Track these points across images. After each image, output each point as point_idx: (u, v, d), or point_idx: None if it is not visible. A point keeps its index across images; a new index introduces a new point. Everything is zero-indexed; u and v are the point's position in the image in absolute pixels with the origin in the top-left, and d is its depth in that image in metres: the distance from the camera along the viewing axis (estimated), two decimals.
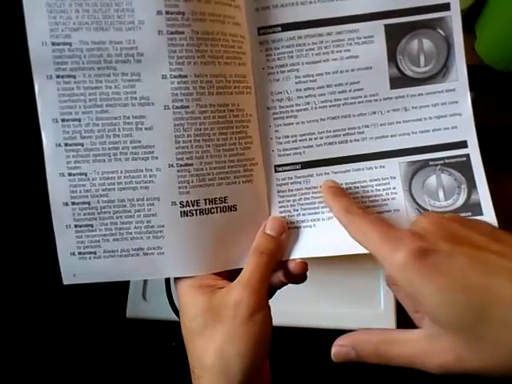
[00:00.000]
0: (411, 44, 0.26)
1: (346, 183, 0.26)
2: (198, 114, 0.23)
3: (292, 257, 0.25)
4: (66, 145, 0.23)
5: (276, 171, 0.26)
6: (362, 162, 0.26)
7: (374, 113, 0.26)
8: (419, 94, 0.26)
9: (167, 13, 0.22)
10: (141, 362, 0.45)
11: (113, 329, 0.44)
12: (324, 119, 0.26)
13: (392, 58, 0.26)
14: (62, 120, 0.23)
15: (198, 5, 0.23)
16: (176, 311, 0.36)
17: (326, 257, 0.25)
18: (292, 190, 0.26)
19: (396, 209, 0.26)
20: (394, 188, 0.26)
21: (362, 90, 0.26)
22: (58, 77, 0.22)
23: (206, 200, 0.24)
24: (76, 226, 0.24)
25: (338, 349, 0.21)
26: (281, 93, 0.26)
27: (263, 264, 0.23)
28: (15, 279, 0.42)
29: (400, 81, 0.26)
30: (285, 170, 0.26)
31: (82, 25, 0.22)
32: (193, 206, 0.24)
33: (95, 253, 0.24)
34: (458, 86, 0.26)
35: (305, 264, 0.25)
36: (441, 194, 0.26)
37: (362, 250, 0.23)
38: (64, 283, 0.24)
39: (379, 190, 0.26)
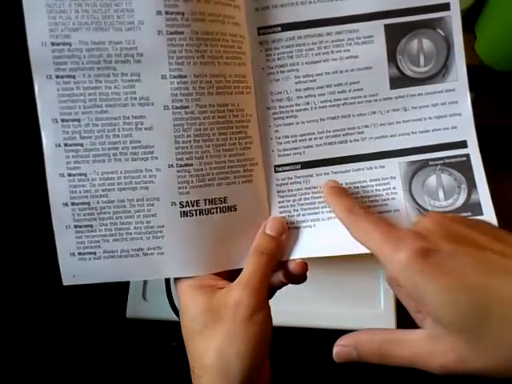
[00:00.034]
0: (411, 44, 0.26)
1: (346, 183, 0.26)
2: (197, 114, 0.23)
3: (292, 257, 0.25)
4: (65, 145, 0.23)
5: (276, 171, 0.26)
6: (362, 162, 0.26)
7: (374, 113, 0.26)
8: (419, 94, 0.26)
9: (167, 13, 0.22)
10: (141, 362, 0.45)
11: (113, 329, 0.44)
12: (324, 119, 0.26)
13: (392, 57, 0.26)
14: (62, 120, 0.23)
15: (198, 5, 0.23)
16: (176, 311, 0.36)
17: (325, 257, 0.25)
18: (292, 190, 0.26)
19: (396, 209, 0.26)
20: (394, 188, 0.26)
21: (361, 90, 0.26)
22: (57, 77, 0.22)
23: (205, 200, 0.24)
24: (76, 227, 0.24)
25: (340, 349, 0.21)
26: (280, 93, 0.26)
27: (263, 264, 0.23)
28: (15, 279, 0.42)
29: (400, 81, 0.26)
30: (285, 170, 0.26)
31: (82, 25, 0.22)
32: (193, 206, 0.24)
33: (95, 253, 0.24)
34: (457, 86, 0.26)
35: (305, 264, 0.25)
36: (441, 194, 0.26)
37: (363, 250, 0.23)
38: (64, 284, 0.24)
39: (379, 190, 0.26)
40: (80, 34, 0.22)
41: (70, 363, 0.44)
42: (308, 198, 0.26)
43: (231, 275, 0.24)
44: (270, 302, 0.24)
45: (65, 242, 0.24)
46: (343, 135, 0.26)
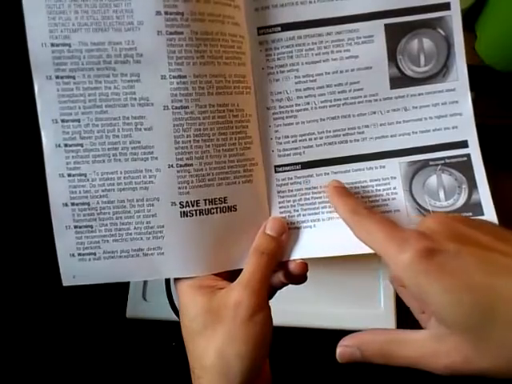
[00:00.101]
0: (411, 44, 0.26)
1: (347, 183, 0.26)
2: (197, 114, 0.23)
3: (292, 257, 0.25)
4: (65, 145, 0.23)
5: (276, 171, 0.26)
6: (362, 162, 0.26)
7: (374, 113, 0.26)
8: (419, 94, 0.26)
9: (166, 13, 0.22)
10: (141, 362, 0.45)
11: (113, 329, 0.44)
12: (324, 119, 0.26)
13: (392, 57, 0.26)
14: (62, 121, 0.23)
15: (197, 5, 0.23)
16: (176, 311, 0.36)
17: (326, 257, 0.25)
18: (292, 191, 0.26)
19: (396, 209, 0.26)
20: (394, 188, 0.26)
21: (361, 89, 0.26)
22: (57, 77, 0.22)
23: (205, 200, 0.24)
24: (76, 227, 0.24)
25: (343, 349, 0.21)
26: (280, 93, 0.26)
27: (263, 264, 0.23)
28: (15, 280, 0.42)
29: (400, 81, 0.26)
30: (285, 171, 0.26)
31: (82, 26, 0.22)
32: (193, 206, 0.24)
33: (95, 254, 0.24)
34: (458, 86, 0.26)
35: (305, 264, 0.25)
36: (441, 194, 0.26)
37: (363, 250, 0.23)
38: (64, 284, 0.24)
39: (379, 190, 0.26)
40: (80, 34, 0.22)
41: (70, 363, 0.44)
42: (308, 199, 0.26)
43: (231, 276, 0.24)
44: (270, 302, 0.24)
45: (65, 242, 0.24)
46: (343, 135, 0.26)
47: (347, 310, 0.40)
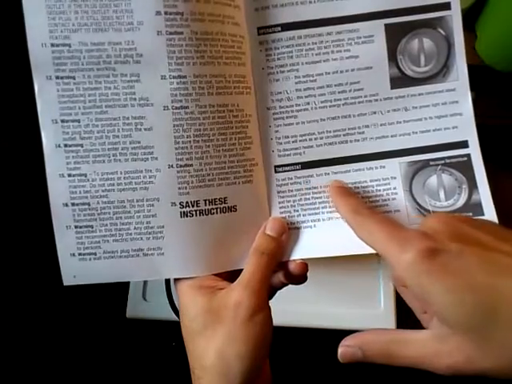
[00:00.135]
0: (411, 43, 0.26)
1: (347, 183, 0.26)
2: (197, 114, 0.23)
3: (292, 257, 0.25)
4: (65, 145, 0.23)
5: (276, 172, 0.26)
6: (363, 163, 0.26)
7: (375, 113, 0.26)
8: (419, 94, 0.26)
9: (166, 13, 0.22)
10: (141, 362, 0.45)
11: (113, 329, 0.44)
12: (324, 119, 0.26)
13: (392, 57, 0.26)
14: (62, 121, 0.23)
15: (197, 5, 0.23)
16: (176, 311, 0.36)
17: (326, 257, 0.25)
18: (292, 191, 0.26)
19: (396, 209, 0.26)
20: (394, 188, 0.26)
21: (362, 89, 0.26)
22: (57, 78, 0.22)
23: (205, 201, 0.24)
24: (76, 227, 0.24)
25: (345, 349, 0.21)
26: (281, 93, 0.26)
27: (263, 265, 0.23)
28: (15, 280, 0.42)
29: (400, 81, 0.26)
30: (285, 171, 0.26)
31: (81, 26, 0.22)
32: (193, 206, 0.24)
33: (95, 254, 0.24)
34: (458, 86, 0.26)
35: (305, 265, 0.25)
36: (442, 194, 0.26)
37: (363, 251, 0.23)
38: (64, 284, 0.24)
39: (380, 190, 0.26)
40: (79, 34, 0.22)
41: (70, 363, 0.44)
42: (308, 199, 0.26)
43: (231, 276, 0.24)
44: (270, 302, 0.24)
45: (65, 242, 0.24)
46: (343, 135, 0.26)
47: (347, 310, 0.40)
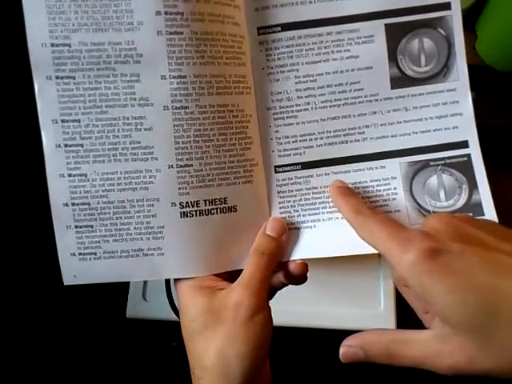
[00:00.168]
0: (412, 43, 0.26)
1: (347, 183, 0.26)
2: (197, 114, 0.23)
3: (292, 258, 0.25)
4: (65, 145, 0.23)
5: (276, 172, 0.26)
6: (363, 163, 0.26)
7: (375, 113, 0.26)
8: (420, 94, 0.26)
9: (166, 13, 0.22)
10: (141, 362, 0.45)
11: (113, 329, 0.44)
12: (324, 119, 0.26)
13: (392, 57, 0.26)
14: (62, 121, 0.23)
15: (197, 5, 0.23)
16: (176, 311, 0.36)
17: (326, 257, 0.25)
18: (292, 191, 0.26)
19: (397, 209, 0.26)
20: (394, 188, 0.26)
21: (362, 89, 0.26)
22: (57, 78, 0.22)
23: (205, 201, 0.24)
24: (76, 227, 0.24)
25: (346, 349, 0.21)
26: (281, 93, 0.26)
27: (263, 265, 0.23)
28: (15, 279, 0.42)
29: (400, 81, 0.26)
30: (285, 171, 0.26)
31: (81, 26, 0.22)
32: (193, 206, 0.24)
33: (95, 253, 0.24)
34: (458, 86, 0.26)
35: (305, 265, 0.25)
36: (442, 195, 0.26)
37: (363, 251, 0.23)
38: (64, 284, 0.24)
39: (380, 190, 0.26)
40: (80, 34, 0.22)
41: (70, 363, 0.44)
42: (308, 199, 0.26)
43: (231, 276, 0.24)
44: (271, 302, 0.24)
45: (65, 242, 0.24)
46: (344, 135, 0.26)
47: (347, 310, 0.40)
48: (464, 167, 0.26)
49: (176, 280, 0.25)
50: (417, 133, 0.26)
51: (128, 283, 0.43)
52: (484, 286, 0.17)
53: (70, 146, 0.23)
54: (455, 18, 0.25)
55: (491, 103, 0.41)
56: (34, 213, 0.38)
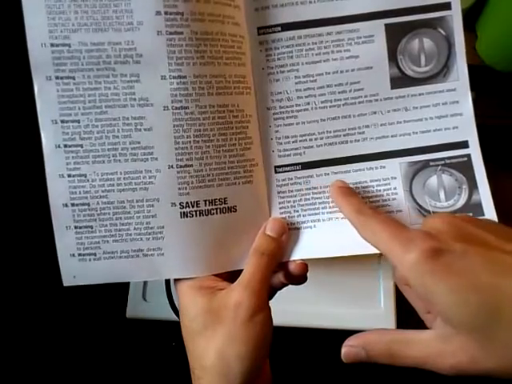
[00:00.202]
0: (412, 43, 0.26)
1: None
2: (197, 114, 0.23)
3: (292, 258, 0.25)
4: (65, 146, 0.23)
5: (276, 172, 0.26)
6: (363, 163, 0.26)
7: (375, 113, 0.26)
8: (420, 94, 0.26)
9: (166, 13, 0.22)
10: (141, 362, 0.45)
11: (113, 329, 0.44)
12: (324, 119, 0.26)
13: (392, 57, 0.25)
14: (62, 121, 0.23)
15: (197, 5, 0.23)
16: (176, 311, 0.36)
17: (326, 257, 0.25)
18: (292, 191, 0.26)
19: (397, 209, 0.26)
20: (394, 188, 0.26)
21: (362, 90, 0.26)
22: (57, 78, 0.22)
23: (205, 201, 0.24)
24: (76, 228, 0.24)
25: (348, 349, 0.21)
26: (281, 93, 0.26)
27: (263, 265, 0.23)
28: (15, 280, 0.42)
29: (400, 81, 0.26)
30: (285, 171, 0.26)
31: (81, 26, 0.22)
32: (193, 207, 0.24)
33: (95, 254, 0.24)
34: (458, 86, 0.26)
35: (305, 265, 0.25)
36: (442, 195, 0.26)
37: (363, 251, 0.23)
38: (64, 285, 0.24)
39: (380, 190, 0.26)
40: (79, 35, 0.22)
41: (70, 363, 0.44)
42: (308, 199, 0.26)
43: (231, 276, 0.24)
44: (271, 302, 0.24)
45: (65, 242, 0.24)
46: (344, 135, 0.26)
47: (347, 310, 0.40)
48: (464, 167, 0.26)
49: (176, 280, 0.25)
50: (417, 133, 0.26)
51: (128, 283, 0.43)
52: (486, 285, 0.17)
53: (70, 146, 0.23)
54: (455, 18, 0.25)
55: (491, 103, 0.41)
56: (33, 213, 0.38)
